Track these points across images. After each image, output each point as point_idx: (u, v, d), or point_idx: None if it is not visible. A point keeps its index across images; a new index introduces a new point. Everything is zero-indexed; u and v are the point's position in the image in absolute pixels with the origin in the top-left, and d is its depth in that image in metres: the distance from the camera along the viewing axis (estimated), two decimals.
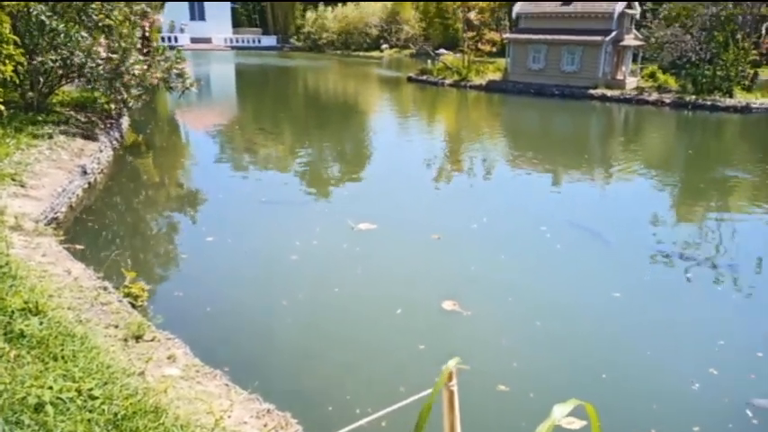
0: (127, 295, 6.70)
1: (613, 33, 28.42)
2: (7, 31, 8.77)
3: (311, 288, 7.67)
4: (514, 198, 12.59)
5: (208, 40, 57.05)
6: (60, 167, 11.05)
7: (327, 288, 7.66)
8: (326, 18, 57.23)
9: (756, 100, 25.83)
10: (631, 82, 29.35)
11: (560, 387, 5.64)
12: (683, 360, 6.25)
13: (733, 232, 10.61)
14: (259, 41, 61.09)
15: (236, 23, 62.53)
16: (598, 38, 28.32)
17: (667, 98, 26.93)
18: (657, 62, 31.35)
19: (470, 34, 37.90)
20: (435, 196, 12.72)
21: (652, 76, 29.39)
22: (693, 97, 26.38)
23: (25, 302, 5.37)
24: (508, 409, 5.39)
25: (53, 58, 12.61)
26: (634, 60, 31.22)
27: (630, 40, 30.15)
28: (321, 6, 58.35)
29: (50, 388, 4.12)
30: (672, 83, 28.31)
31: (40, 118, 13.24)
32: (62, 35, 12.68)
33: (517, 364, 6.06)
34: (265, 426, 4.71)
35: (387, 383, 5.62)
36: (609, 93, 28.24)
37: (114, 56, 13.71)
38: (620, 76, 29.74)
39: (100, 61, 13.34)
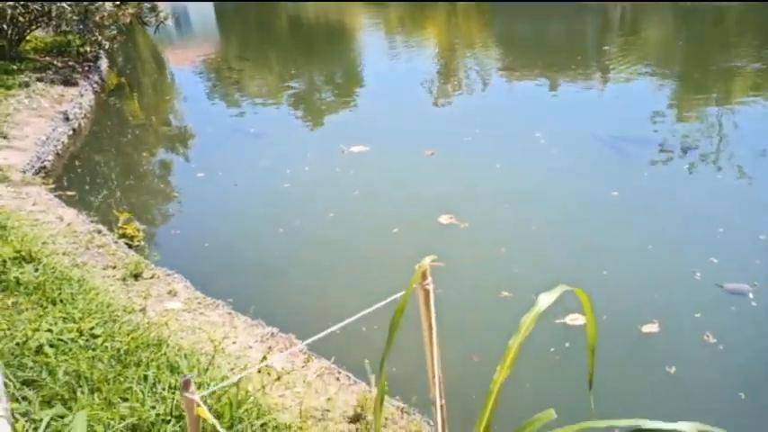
0: (122, 236, 6.67)
1: None
2: None
3: (306, 214, 7.61)
4: (508, 108, 12.28)
5: None
6: (41, 115, 10.78)
7: (323, 212, 7.60)
8: None
9: None
10: None
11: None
12: (685, 250, 6.23)
13: (735, 123, 10.34)
14: None
15: None
16: None
17: None
18: None
19: None
20: (428, 113, 12.41)
21: None
22: None
23: (17, 251, 5.34)
24: (512, 313, 5.41)
25: (12, 3, 11.99)
26: None
27: None
28: None
29: (50, 330, 4.15)
30: None
31: (14, 67, 12.80)
32: None
33: (518, 269, 6.07)
34: (270, 348, 4.77)
35: (380, 295, 5.65)
36: None
37: None
38: None
39: (66, 5, 12.69)
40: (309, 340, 2.26)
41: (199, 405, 1.66)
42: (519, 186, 8.05)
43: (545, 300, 1.72)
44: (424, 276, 1.98)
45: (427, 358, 2.16)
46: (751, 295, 5.37)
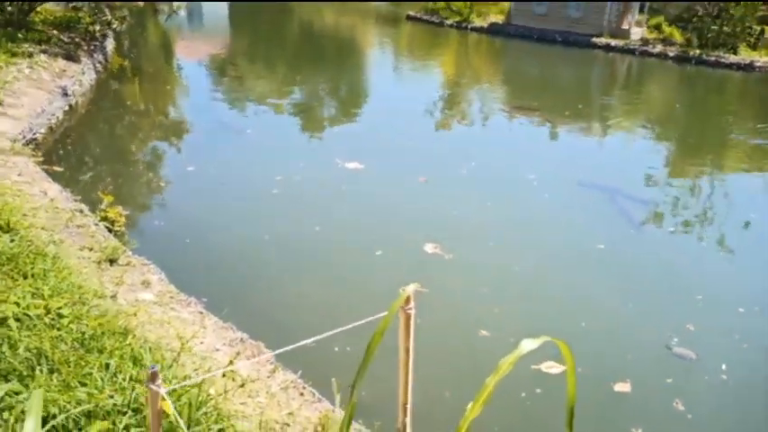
0: (103, 219, 6.57)
1: None
2: None
3: (292, 223, 7.56)
4: (507, 145, 12.40)
5: None
6: (40, 88, 10.67)
7: (309, 224, 7.55)
8: None
9: (760, 58, 25.31)
10: (636, 32, 28.60)
11: (540, 333, 5.58)
12: (664, 314, 6.25)
13: (725, 193, 10.49)
14: None
15: None
16: None
17: (671, 51, 26.33)
18: (664, 14, 30.48)
19: None
20: (427, 139, 12.48)
21: (657, 27, 28.63)
22: (698, 52, 25.79)
23: None
24: (489, 353, 5.32)
25: None
26: (641, 11, 30.33)
27: None
28: None
29: (17, 303, 4.04)
30: (677, 36, 27.62)
31: (20, 35, 12.70)
32: None
33: (498, 310, 6.03)
34: (238, 354, 4.69)
35: (357, 316, 5.59)
36: (613, 42, 27.54)
37: None
38: (625, 26, 28.94)
39: None
40: (279, 351, 2.22)
41: (164, 399, 1.61)
42: (507, 226, 8.08)
43: (527, 345, 1.70)
44: (407, 301, 1.96)
45: (399, 384, 2.13)
46: (694, 357, 5.42)
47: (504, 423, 4.40)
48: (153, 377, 1.61)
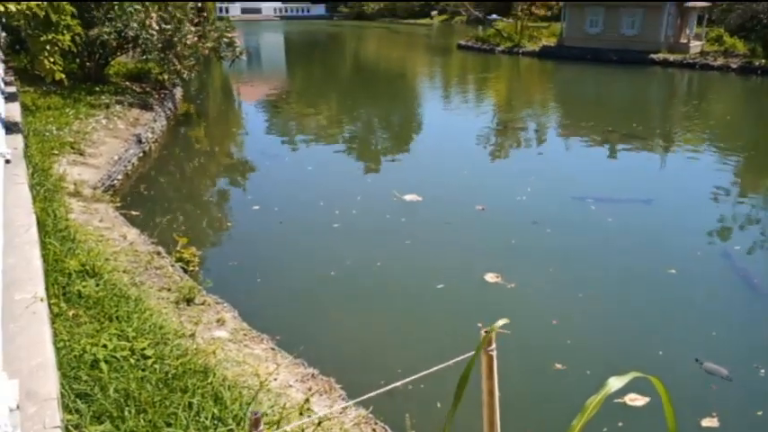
0: (179, 260, 6.89)
1: None
2: (65, 2, 9.00)
3: (356, 258, 7.67)
4: (564, 169, 12.20)
5: (258, 11, 57.30)
6: (117, 136, 11.40)
7: (371, 258, 7.63)
8: None
9: None
10: (696, 46, 27.79)
11: (619, 364, 5.37)
12: (738, 341, 5.94)
13: None
14: (308, 11, 60.94)
15: None
16: None
17: (734, 63, 25.38)
18: (724, 25, 29.48)
19: None
20: (483, 167, 12.48)
21: (718, 39, 27.73)
22: (763, 61, 24.73)
23: (83, 265, 5.58)
24: (567, 388, 5.16)
25: (108, 30, 12.91)
26: (699, 23, 29.49)
27: (696, 1, 28.42)
28: None
29: (105, 346, 4.29)
30: (740, 47, 26.63)
31: (97, 88, 13.65)
32: (116, 7, 12.94)
33: (571, 341, 5.88)
34: (310, 389, 4.79)
35: (428, 354, 5.59)
36: (671, 57, 26.84)
37: (167, 27, 13.93)
38: (683, 40, 28.18)
39: (153, 32, 13.58)
40: (360, 398, 2.27)
41: None
42: (567, 251, 7.92)
43: (615, 383, 1.69)
44: (488, 342, 1.99)
45: (484, 426, 2.14)
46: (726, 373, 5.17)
47: None
48: (256, 423, 1.71)
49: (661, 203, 9.82)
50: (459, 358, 1.94)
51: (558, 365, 5.41)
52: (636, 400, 4.82)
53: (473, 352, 1.77)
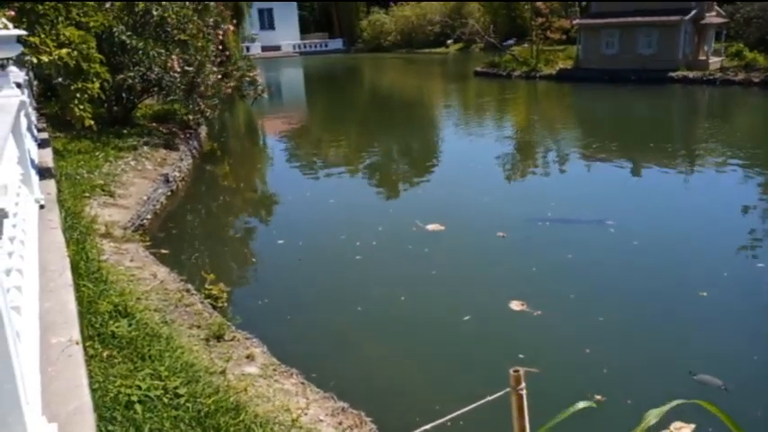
0: (208, 297, 6.99)
1: (693, 12, 26.80)
2: (94, 51, 9.36)
3: (380, 291, 7.66)
4: (585, 192, 12.13)
5: (277, 48, 58.64)
6: (145, 177, 11.70)
7: (397, 291, 7.59)
8: (384, 21, 57.72)
9: None
10: (715, 62, 27.59)
11: (655, 392, 5.24)
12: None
13: None
14: (326, 45, 62.19)
15: (304, 29, 63.93)
16: (676, 17, 26.80)
17: (756, 77, 25.11)
18: (744, 39, 29.27)
19: (539, 21, 36.78)
20: (503, 192, 12.47)
21: (738, 54, 27.49)
22: None
23: (115, 305, 5.71)
24: (608, 422, 5.02)
25: (132, 74, 13.37)
26: (717, 39, 29.34)
27: (712, 17, 28.34)
28: (376, 8, 58.94)
29: (139, 387, 4.36)
30: (761, 60, 26.36)
31: (124, 131, 14.08)
32: (140, 52, 13.41)
33: (607, 370, 5.77)
34: (340, 423, 4.79)
35: (456, 387, 5.54)
36: (690, 75, 26.69)
37: (189, 68, 14.38)
38: (702, 57, 28.03)
39: (176, 74, 14.02)
40: None
41: None
42: (591, 276, 7.83)
43: (654, 414, 1.68)
44: (517, 381, 2.00)
45: None
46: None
47: None
48: None
49: (685, 224, 9.68)
50: (490, 398, 1.95)
51: (598, 396, 5.29)
52: (682, 428, 4.69)
53: (504, 390, 1.78)
